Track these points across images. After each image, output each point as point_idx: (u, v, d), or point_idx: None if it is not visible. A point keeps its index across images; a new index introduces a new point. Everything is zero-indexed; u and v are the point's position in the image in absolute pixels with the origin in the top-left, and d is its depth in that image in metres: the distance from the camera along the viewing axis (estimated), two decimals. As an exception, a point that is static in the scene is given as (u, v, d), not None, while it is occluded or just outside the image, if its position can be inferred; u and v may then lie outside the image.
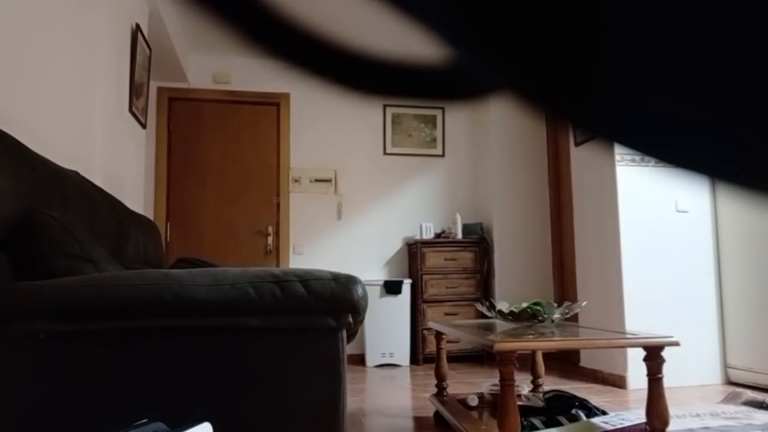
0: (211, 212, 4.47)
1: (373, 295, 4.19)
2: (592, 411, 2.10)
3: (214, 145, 4.54)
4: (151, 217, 4.24)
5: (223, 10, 0.19)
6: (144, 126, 3.32)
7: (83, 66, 2.30)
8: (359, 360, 4.26)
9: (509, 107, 4.54)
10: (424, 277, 4.31)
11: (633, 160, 3.31)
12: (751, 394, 2.79)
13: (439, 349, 2.55)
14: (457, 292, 4.35)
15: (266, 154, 4.61)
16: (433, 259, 4.35)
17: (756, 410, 2.53)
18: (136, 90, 3.08)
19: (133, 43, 3.01)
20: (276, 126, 4.64)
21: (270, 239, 4.52)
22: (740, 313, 3.21)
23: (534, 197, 4.57)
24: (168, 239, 4.35)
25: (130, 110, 3.00)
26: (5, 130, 1.34)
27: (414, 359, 4.27)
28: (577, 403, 2.13)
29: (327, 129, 4.69)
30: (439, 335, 2.56)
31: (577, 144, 3.74)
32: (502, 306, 2.18)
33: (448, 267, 4.37)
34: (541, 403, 2.19)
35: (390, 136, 4.80)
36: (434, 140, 4.89)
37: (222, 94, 4.55)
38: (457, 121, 4.96)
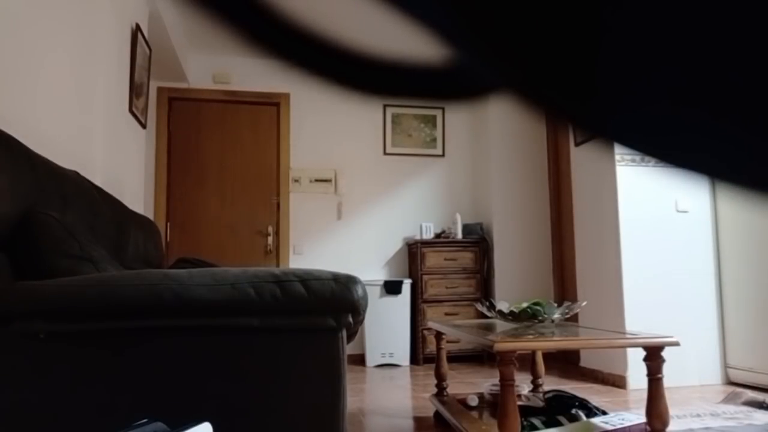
0: (211, 212, 4.47)
1: (373, 295, 4.19)
2: (592, 411, 2.10)
3: (214, 145, 4.54)
4: (151, 217, 4.24)
5: (223, 10, 0.19)
6: (144, 126, 3.32)
7: (83, 66, 2.30)
8: (359, 360, 4.26)
9: (509, 107, 4.54)
10: (424, 277, 4.31)
11: (633, 160, 3.31)
12: (751, 394, 2.79)
13: (439, 349, 2.55)
14: (457, 292, 4.35)
15: (266, 154, 4.61)
16: (433, 259, 4.35)
17: (756, 410, 2.53)
18: (136, 90, 3.08)
19: (133, 43, 3.01)
20: (276, 126, 4.64)
21: (270, 239, 4.52)
22: (740, 313, 3.21)
23: (534, 197, 4.57)
24: (168, 239, 4.35)
25: (130, 110, 3.00)
26: (5, 130, 1.34)
27: (414, 359, 4.27)
28: (577, 403, 2.13)
29: (327, 129, 4.69)
30: (439, 335, 2.56)
31: (577, 144, 3.74)
32: (502, 306, 2.18)
33: (448, 267, 4.36)
34: (541, 403, 2.19)
35: (390, 136, 4.80)
36: (434, 140, 4.89)
37: (222, 94, 4.55)
38: (457, 121, 4.96)
